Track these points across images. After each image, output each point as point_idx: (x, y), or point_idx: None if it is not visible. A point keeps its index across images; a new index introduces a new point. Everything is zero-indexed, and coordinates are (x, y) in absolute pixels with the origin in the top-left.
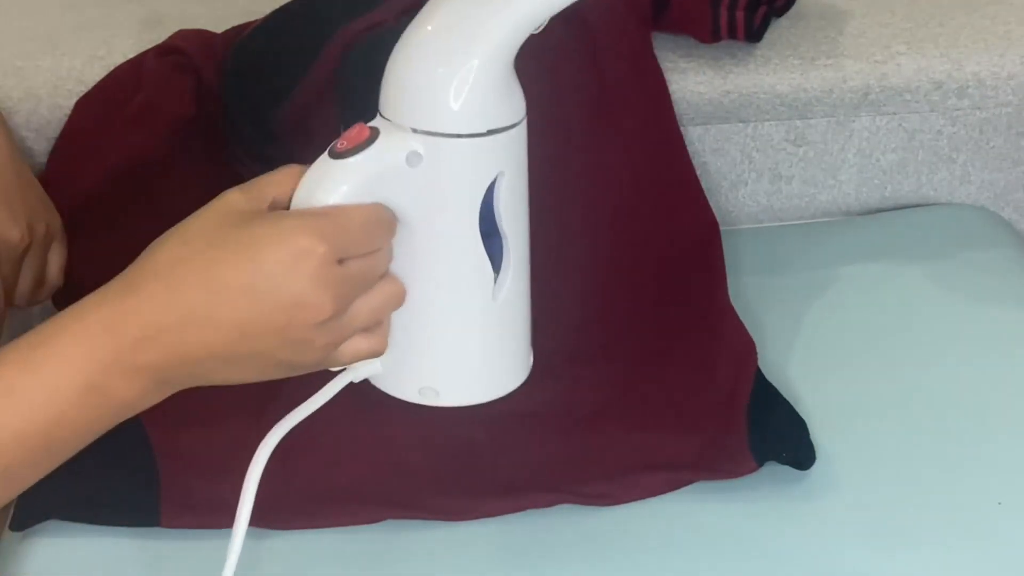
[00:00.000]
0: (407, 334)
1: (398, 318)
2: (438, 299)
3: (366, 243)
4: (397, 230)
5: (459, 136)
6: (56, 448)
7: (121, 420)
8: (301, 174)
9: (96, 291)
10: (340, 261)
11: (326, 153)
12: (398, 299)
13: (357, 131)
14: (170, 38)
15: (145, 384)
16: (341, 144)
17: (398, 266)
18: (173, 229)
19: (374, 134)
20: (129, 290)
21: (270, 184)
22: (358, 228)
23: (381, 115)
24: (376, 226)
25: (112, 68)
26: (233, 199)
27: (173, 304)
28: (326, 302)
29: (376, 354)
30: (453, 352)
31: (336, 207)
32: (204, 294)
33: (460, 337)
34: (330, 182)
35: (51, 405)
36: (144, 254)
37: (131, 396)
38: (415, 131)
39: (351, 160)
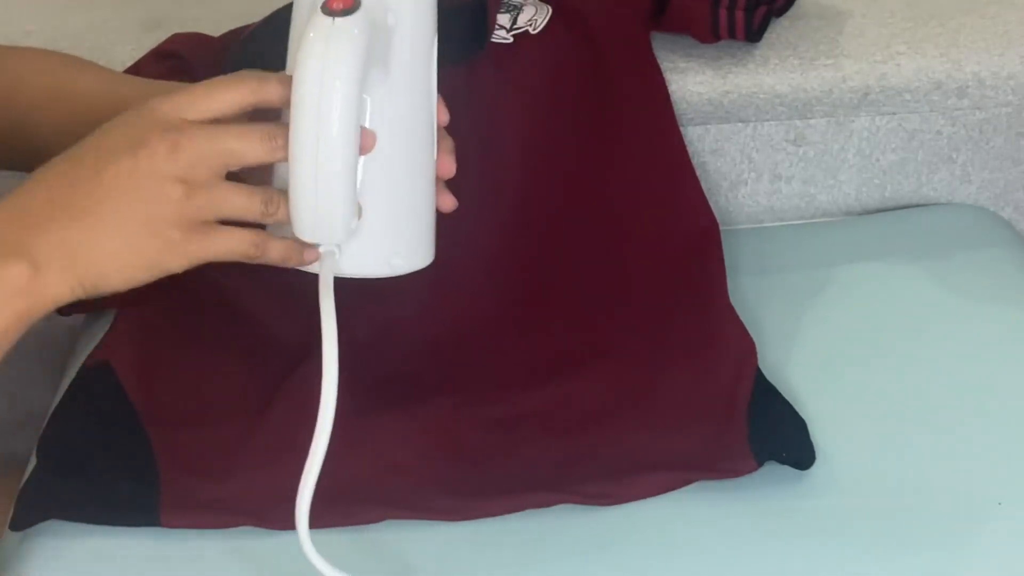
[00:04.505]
0: (385, 198)
1: (372, 176)
2: (410, 159)
3: (207, 97)
4: (368, 99)
5: None
6: None
7: (26, 315)
8: (250, 87)
9: None
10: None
11: (319, 12)
12: (258, 210)
13: None
14: (166, 42)
15: (8, 255)
16: (336, 3)
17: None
18: None
19: None
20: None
21: (209, 98)
22: (204, 86)
23: None
24: (221, 84)
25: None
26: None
27: (34, 179)
28: (162, 143)
29: (247, 255)
30: (419, 211)
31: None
32: (58, 162)
33: (424, 195)
34: (347, 43)
35: None
36: None
37: (9, 274)
38: None
39: (355, 17)
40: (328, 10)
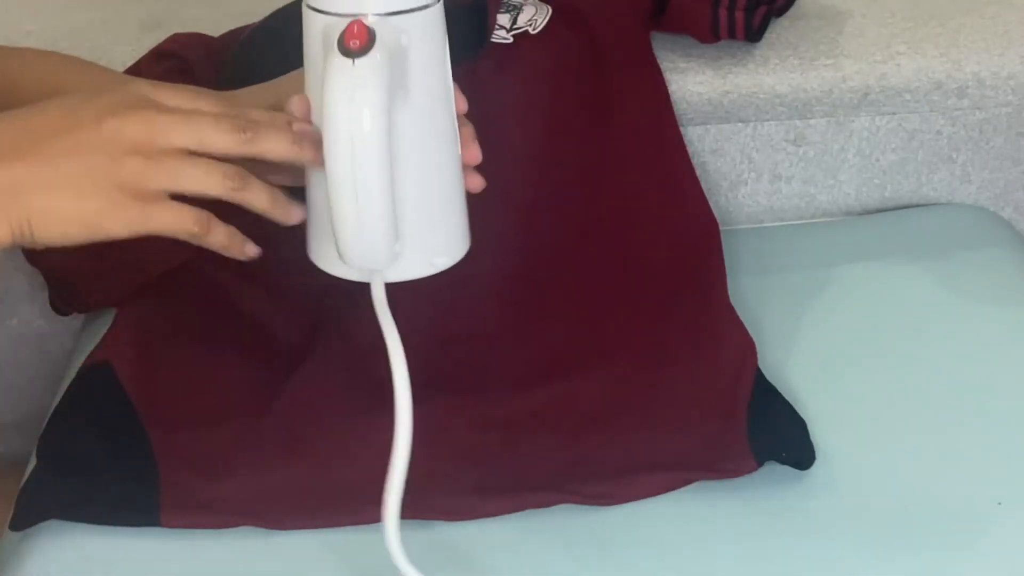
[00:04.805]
0: (421, 209)
1: (409, 192)
2: (440, 164)
3: (194, 100)
4: (391, 114)
5: (429, 6)
6: None
7: None
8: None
9: None
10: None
11: (337, 53)
12: (217, 183)
13: (358, 28)
14: (165, 42)
15: None
16: (352, 43)
17: (401, 149)
18: None
19: (371, 29)
20: None
21: (196, 101)
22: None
23: (335, 12)
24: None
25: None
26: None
27: None
28: (131, 116)
29: (190, 232)
30: (452, 209)
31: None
32: (26, 110)
33: (456, 193)
34: (370, 84)
35: None
36: None
37: None
38: (389, 14)
39: (372, 56)
40: (346, 50)
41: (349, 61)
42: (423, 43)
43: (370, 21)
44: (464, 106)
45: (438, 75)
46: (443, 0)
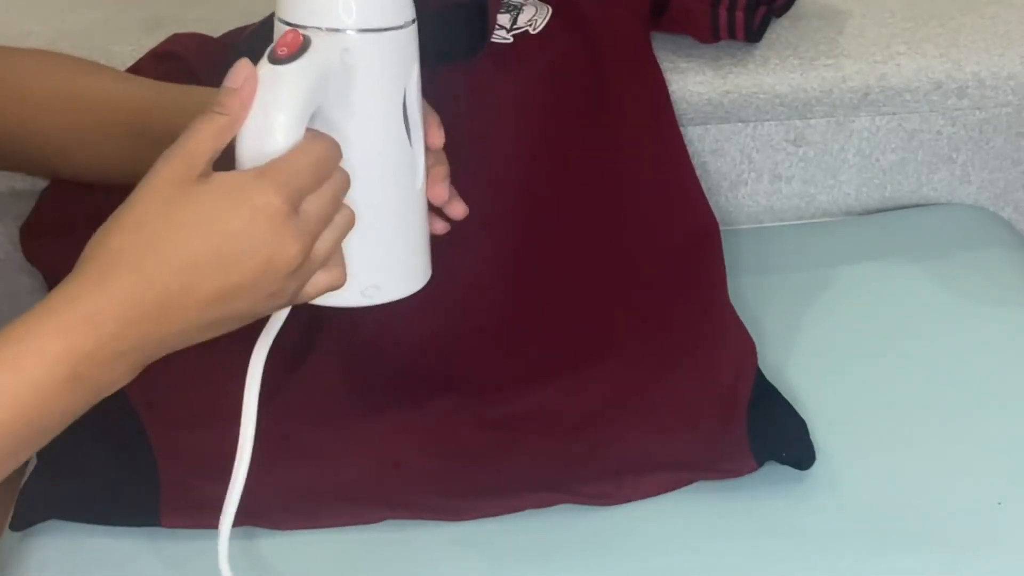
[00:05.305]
0: (358, 234)
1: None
2: (379, 193)
3: (318, 180)
4: (334, 135)
5: (387, 30)
6: (38, 435)
7: (101, 398)
8: (221, 127)
9: (64, 283)
10: (298, 207)
11: (266, 60)
12: (349, 224)
13: (292, 37)
14: (165, 42)
15: (127, 367)
16: (281, 51)
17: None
18: (118, 213)
19: (307, 39)
20: (101, 282)
21: (197, 144)
22: (308, 168)
23: (290, 23)
24: (324, 160)
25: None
26: (169, 174)
27: (148, 292)
28: (294, 252)
29: (337, 286)
30: (393, 243)
31: (282, 157)
32: (177, 276)
33: (399, 227)
34: (286, 90)
35: (34, 398)
36: (98, 242)
37: (112, 379)
38: (339, 31)
39: (296, 65)
40: (275, 57)
41: (271, 67)
42: (377, 66)
43: (317, 34)
44: (439, 141)
45: (393, 102)
46: (408, 28)
